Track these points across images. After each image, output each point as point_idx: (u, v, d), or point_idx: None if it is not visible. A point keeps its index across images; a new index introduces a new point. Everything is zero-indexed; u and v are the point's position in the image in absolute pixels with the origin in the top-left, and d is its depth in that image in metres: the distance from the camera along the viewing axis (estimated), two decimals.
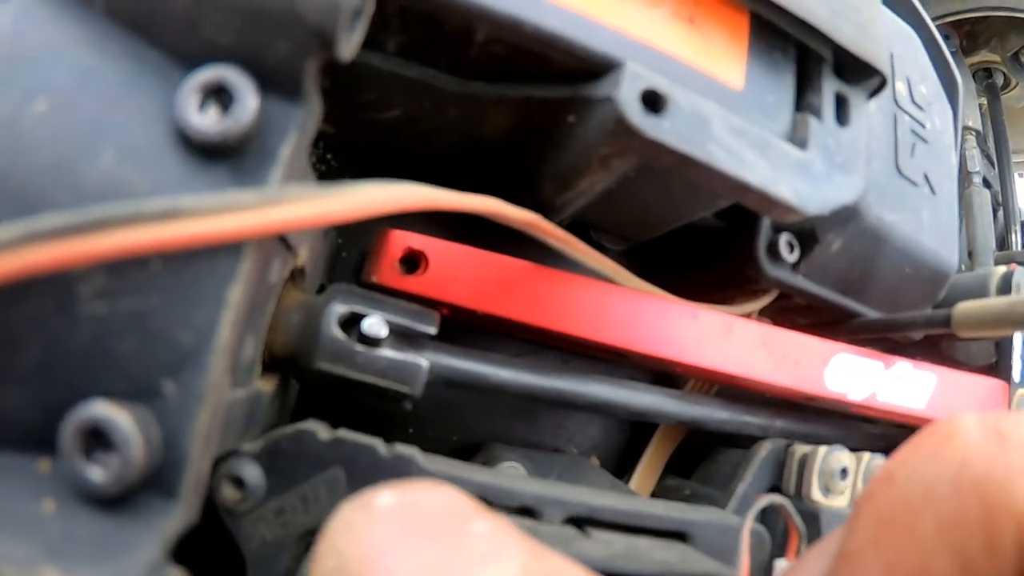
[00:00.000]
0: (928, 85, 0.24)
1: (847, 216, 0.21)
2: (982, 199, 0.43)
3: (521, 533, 0.08)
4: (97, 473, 0.10)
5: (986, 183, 0.46)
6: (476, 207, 0.15)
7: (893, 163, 0.22)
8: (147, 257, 0.10)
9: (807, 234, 0.21)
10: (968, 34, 0.55)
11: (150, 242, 0.10)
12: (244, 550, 0.15)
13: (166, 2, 0.11)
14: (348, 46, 0.12)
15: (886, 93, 0.23)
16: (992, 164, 0.48)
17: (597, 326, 0.19)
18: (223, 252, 0.10)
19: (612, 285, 0.20)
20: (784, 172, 0.16)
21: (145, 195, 0.10)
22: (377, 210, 0.12)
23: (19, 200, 0.10)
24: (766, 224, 0.21)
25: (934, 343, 0.26)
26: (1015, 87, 0.55)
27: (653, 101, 0.15)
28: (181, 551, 0.11)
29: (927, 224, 0.22)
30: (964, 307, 0.20)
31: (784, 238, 0.21)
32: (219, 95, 0.11)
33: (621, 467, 0.24)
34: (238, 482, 0.15)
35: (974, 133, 0.46)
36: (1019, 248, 0.45)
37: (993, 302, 0.19)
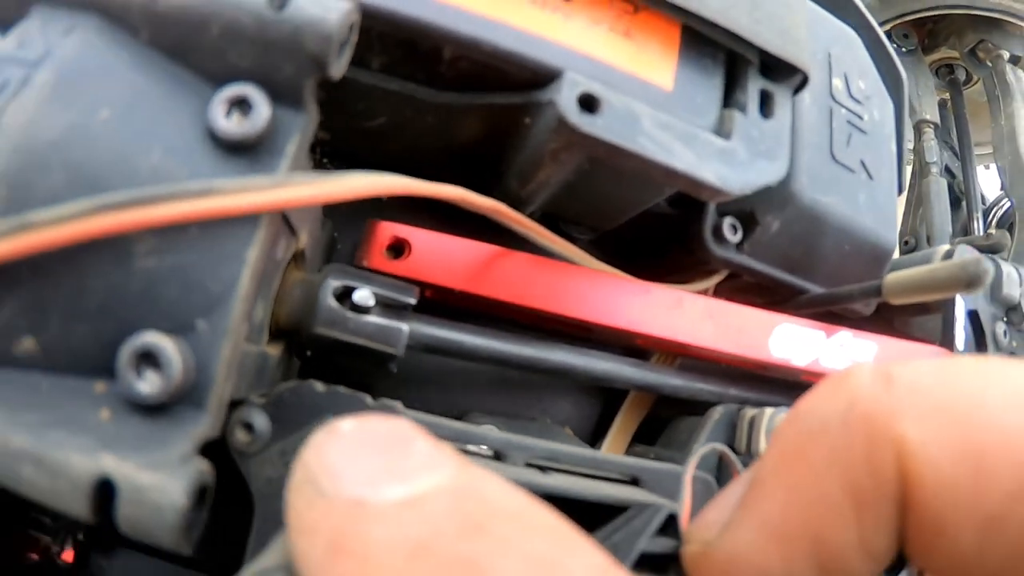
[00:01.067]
0: (867, 81, 0.29)
1: (783, 199, 0.25)
2: (939, 187, 0.47)
3: (457, 453, 0.10)
4: (145, 386, 0.14)
5: (951, 173, 0.50)
6: (444, 194, 0.19)
7: (828, 151, 0.26)
8: (188, 224, 0.14)
9: (747, 216, 0.25)
10: (929, 33, 0.60)
11: (190, 213, 0.14)
12: (252, 488, 0.19)
13: (198, 36, 0.16)
14: (338, 67, 0.16)
15: (822, 89, 0.27)
16: (957, 156, 0.52)
17: (559, 300, 0.23)
18: (245, 222, 0.15)
19: (573, 266, 0.24)
20: (708, 159, 0.20)
21: (185, 180, 0.15)
22: (361, 193, 0.16)
23: (91, 183, 0.15)
24: (711, 209, 0.25)
25: (888, 321, 0.29)
26: (976, 82, 0.59)
27: (589, 103, 0.19)
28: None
29: (864, 206, 0.26)
30: (893, 276, 0.23)
31: (727, 221, 0.25)
32: (241, 105, 0.15)
33: (593, 439, 0.28)
34: (248, 427, 0.19)
35: (932, 126, 0.51)
36: (979, 233, 0.49)
37: (918, 270, 0.23)
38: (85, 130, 0.15)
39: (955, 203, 0.52)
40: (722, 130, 0.21)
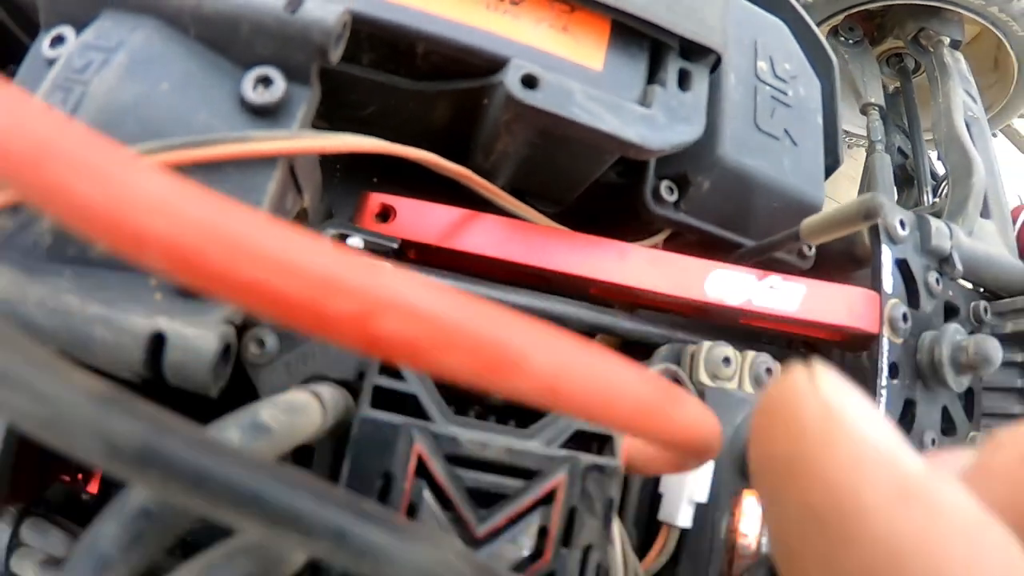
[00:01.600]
0: (793, 63, 0.35)
1: (710, 162, 0.31)
2: (883, 162, 0.53)
3: None
4: None
5: (903, 154, 0.57)
6: (417, 156, 0.26)
7: (752, 121, 0.32)
8: (225, 163, 0.21)
9: (681, 178, 0.31)
10: (877, 25, 0.68)
11: (227, 155, 0.21)
12: (261, 396, 0.25)
13: (233, 33, 0.23)
14: (336, 55, 0.23)
15: (747, 69, 0.33)
16: (909, 138, 0.59)
17: (522, 252, 0.29)
18: (266, 163, 0.21)
19: (533, 225, 0.30)
20: (631, 123, 0.26)
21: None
22: (351, 147, 0.23)
23: (155, 135, 0.21)
24: (651, 174, 0.31)
25: (828, 277, 0.34)
26: (924, 70, 0.67)
27: (530, 81, 0.26)
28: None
29: (789, 168, 0.32)
30: (808, 219, 0.29)
31: (664, 183, 0.31)
32: (264, 82, 0.22)
33: None
34: (260, 343, 0.25)
35: (877, 108, 0.58)
36: (928, 204, 0.55)
37: (828, 212, 0.28)
38: (151, 97, 0.22)
39: (908, 181, 0.58)
40: (645, 101, 0.28)
